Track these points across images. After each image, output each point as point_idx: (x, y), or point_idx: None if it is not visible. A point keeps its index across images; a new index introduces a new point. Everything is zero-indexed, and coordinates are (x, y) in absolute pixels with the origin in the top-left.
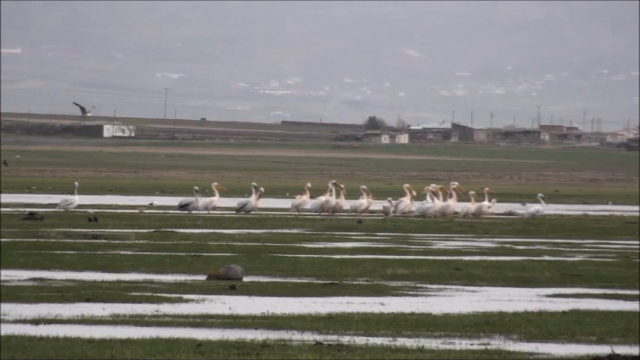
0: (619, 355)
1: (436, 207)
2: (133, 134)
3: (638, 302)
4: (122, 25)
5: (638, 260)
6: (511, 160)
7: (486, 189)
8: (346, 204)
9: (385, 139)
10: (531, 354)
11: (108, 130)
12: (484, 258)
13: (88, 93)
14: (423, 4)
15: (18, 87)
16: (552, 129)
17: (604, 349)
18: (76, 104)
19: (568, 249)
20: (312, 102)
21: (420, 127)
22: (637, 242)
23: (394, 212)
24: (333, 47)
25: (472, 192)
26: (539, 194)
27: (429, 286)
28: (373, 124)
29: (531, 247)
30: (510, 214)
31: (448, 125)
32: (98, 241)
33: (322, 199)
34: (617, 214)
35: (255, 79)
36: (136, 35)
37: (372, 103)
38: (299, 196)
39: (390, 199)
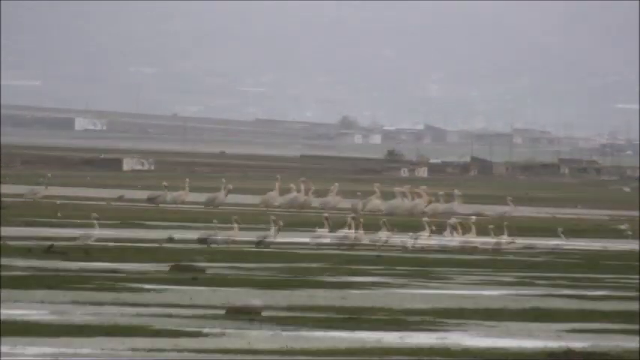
0: None
1: (455, 241)
2: (152, 167)
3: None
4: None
5: None
6: (530, 193)
7: (505, 223)
8: (365, 238)
9: (404, 172)
10: None
11: (127, 164)
12: (503, 292)
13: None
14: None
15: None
16: (572, 162)
17: None
18: None
19: (588, 283)
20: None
21: (439, 161)
22: None
23: (412, 245)
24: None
25: (491, 226)
26: (559, 229)
27: (448, 320)
28: (392, 157)
29: (551, 282)
30: (530, 248)
31: (467, 159)
32: (117, 274)
33: (341, 233)
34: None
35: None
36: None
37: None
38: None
39: (411, 233)
